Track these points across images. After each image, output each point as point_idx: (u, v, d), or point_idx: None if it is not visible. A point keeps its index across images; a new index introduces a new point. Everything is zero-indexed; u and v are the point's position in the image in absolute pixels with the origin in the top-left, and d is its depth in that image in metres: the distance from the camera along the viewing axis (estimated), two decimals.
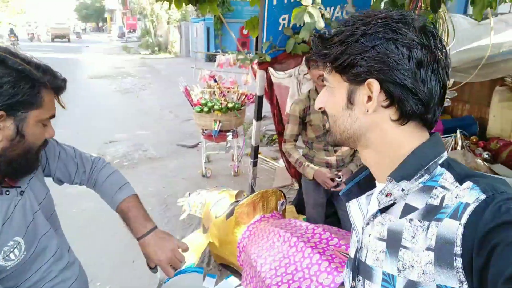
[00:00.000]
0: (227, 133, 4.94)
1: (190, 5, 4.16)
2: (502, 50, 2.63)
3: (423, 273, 0.64)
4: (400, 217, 0.70)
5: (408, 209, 0.70)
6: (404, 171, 0.70)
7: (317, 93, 2.48)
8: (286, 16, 2.88)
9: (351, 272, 0.81)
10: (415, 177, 0.70)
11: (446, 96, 2.57)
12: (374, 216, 0.76)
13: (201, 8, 4.21)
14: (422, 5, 2.66)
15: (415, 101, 0.68)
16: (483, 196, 0.60)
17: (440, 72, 0.69)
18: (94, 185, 1.43)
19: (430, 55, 0.67)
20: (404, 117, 0.70)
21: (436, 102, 0.70)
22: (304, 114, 2.49)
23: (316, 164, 2.52)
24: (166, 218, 3.94)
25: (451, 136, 4.97)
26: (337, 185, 2.41)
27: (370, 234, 0.76)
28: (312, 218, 2.62)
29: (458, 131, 4.93)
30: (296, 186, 4.66)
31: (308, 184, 2.57)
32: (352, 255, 0.82)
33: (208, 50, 18.29)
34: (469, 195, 0.62)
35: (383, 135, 0.72)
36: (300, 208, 3.35)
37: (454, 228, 0.60)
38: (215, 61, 5.39)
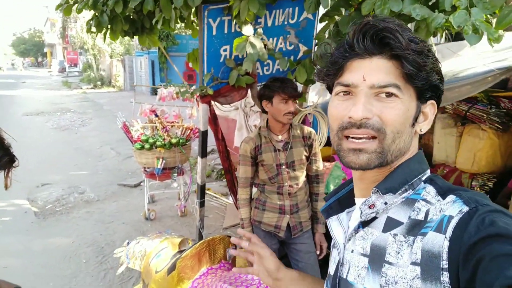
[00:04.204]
0: (172, 171, 4.62)
1: (135, 38, 3.92)
2: (445, 79, 2.63)
3: None
4: (384, 231, 0.68)
5: (390, 223, 0.68)
6: (390, 184, 0.69)
7: (269, 129, 2.26)
8: (227, 47, 2.71)
9: None
10: (399, 191, 0.69)
11: None
12: (356, 230, 0.74)
13: (140, 40, 3.99)
14: None
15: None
16: (466, 209, 0.59)
17: None
18: None
19: None
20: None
21: None
22: (255, 154, 2.25)
23: (268, 210, 2.29)
24: (103, 272, 3.49)
25: None
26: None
27: (352, 250, 0.73)
28: None
29: None
30: None
31: (258, 230, 2.33)
32: (332, 272, 0.79)
33: (153, 83, 17.91)
34: (452, 208, 0.61)
35: (411, 150, 0.73)
36: None
37: (440, 242, 0.59)
38: None
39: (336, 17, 2.83)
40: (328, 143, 3.78)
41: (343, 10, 2.52)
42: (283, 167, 2.23)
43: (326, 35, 2.37)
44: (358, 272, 0.70)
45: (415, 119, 0.69)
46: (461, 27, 1.80)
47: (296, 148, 2.25)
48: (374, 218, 0.71)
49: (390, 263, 0.65)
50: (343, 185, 0.85)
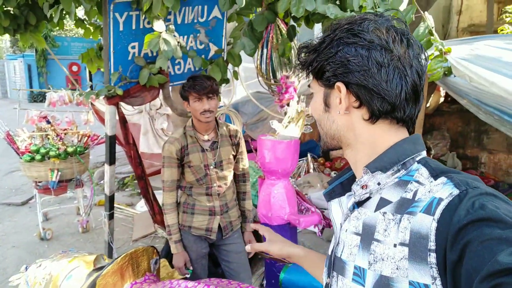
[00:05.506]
0: (69, 183, 4.17)
1: (5, 40, 3.45)
2: None
3: (397, 268, 0.62)
4: (375, 211, 0.70)
5: (382, 203, 0.70)
6: (379, 163, 0.71)
7: (195, 129, 2.16)
8: (136, 44, 2.54)
9: (327, 269, 0.81)
10: (391, 171, 0.70)
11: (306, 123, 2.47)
12: (351, 210, 0.76)
13: (22, 39, 3.53)
14: (275, 35, 2.68)
15: (380, 100, 0.70)
16: (456, 191, 0.60)
17: (407, 70, 0.69)
18: None
19: (391, 55, 0.68)
20: (373, 116, 0.72)
21: (403, 100, 0.70)
22: (181, 155, 2.13)
23: (198, 213, 2.19)
24: None
25: (303, 159, 5.27)
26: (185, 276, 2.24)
27: (347, 229, 0.76)
28: (196, 273, 2.25)
29: (308, 154, 5.26)
30: (161, 233, 4.19)
31: (188, 235, 2.21)
32: (330, 252, 0.81)
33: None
34: (443, 190, 0.62)
35: (358, 134, 0.75)
36: (172, 259, 2.93)
37: (428, 223, 0.60)
38: (42, 101, 4.58)
39: (244, 18, 2.86)
40: None
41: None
42: (212, 167, 2.15)
43: (242, 34, 2.37)
44: (351, 250, 0.73)
45: (325, 104, 0.77)
46: None
47: (224, 147, 2.20)
48: (369, 199, 0.73)
49: (378, 241, 0.67)
50: (346, 170, 0.86)
